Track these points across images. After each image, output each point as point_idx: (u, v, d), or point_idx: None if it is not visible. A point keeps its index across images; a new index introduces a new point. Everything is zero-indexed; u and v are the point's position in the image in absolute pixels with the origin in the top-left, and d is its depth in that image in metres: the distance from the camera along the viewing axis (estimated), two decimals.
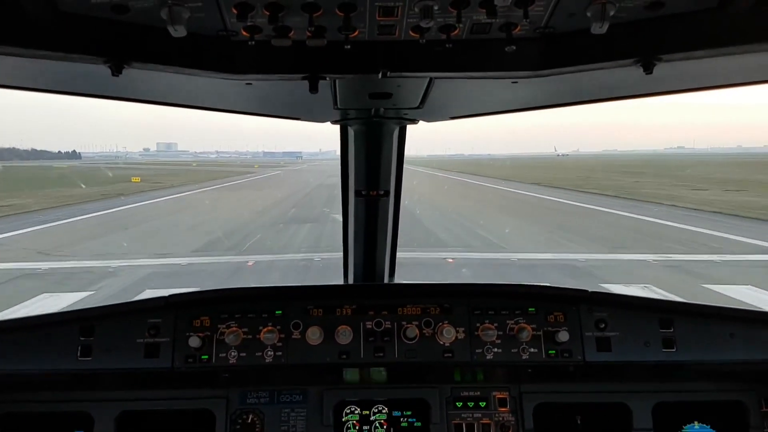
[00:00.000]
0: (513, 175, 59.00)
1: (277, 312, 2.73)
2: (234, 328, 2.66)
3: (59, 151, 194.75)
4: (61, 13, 1.29)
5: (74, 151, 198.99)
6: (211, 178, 54.43)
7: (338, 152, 2.99)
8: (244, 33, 1.34)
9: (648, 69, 1.46)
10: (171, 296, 2.72)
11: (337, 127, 2.74)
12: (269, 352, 2.65)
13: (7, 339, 2.62)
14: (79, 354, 2.61)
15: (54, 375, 2.65)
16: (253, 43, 1.35)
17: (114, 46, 1.38)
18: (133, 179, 43.24)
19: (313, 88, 1.57)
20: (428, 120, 2.66)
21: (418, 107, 2.21)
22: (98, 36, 1.36)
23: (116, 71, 1.41)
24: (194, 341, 2.58)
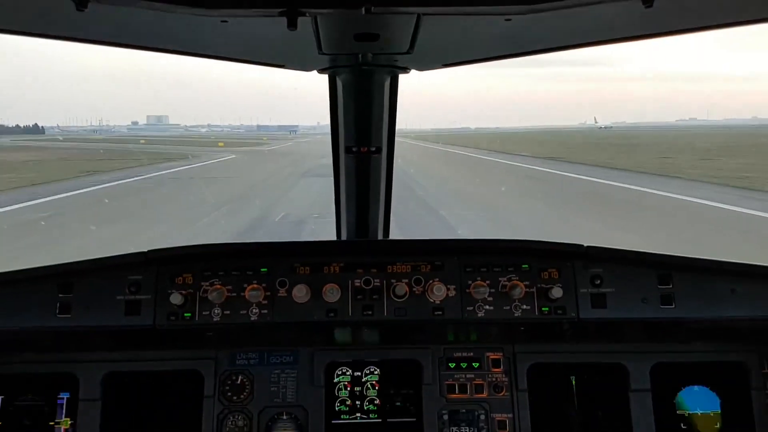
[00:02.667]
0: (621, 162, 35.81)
1: (262, 270, 2.66)
2: (218, 286, 2.61)
3: (17, 125, 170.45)
4: None
5: (35, 124, 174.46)
6: (84, 170, 30.62)
7: None
8: None
9: (648, 2, 1.35)
10: (151, 252, 2.66)
11: None
12: (254, 310, 2.61)
13: None
14: (57, 311, 2.56)
15: (33, 333, 2.59)
16: None
17: None
18: None
19: (292, 24, 1.45)
20: (420, 68, 2.48)
21: (407, 52, 2.07)
22: None
23: (81, 5, 1.29)
24: (176, 298, 2.54)
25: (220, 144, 77.13)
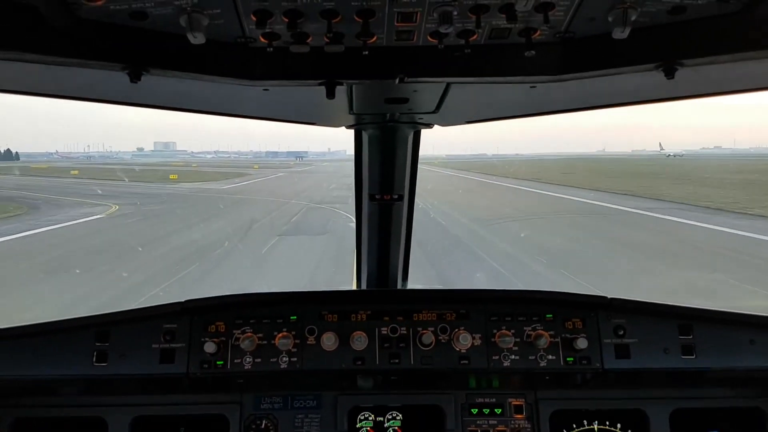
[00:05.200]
0: None
1: (291, 317, 2.67)
2: (249, 334, 2.62)
3: None
4: (80, 20, 1.27)
5: (8, 150, 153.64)
6: None
7: (348, 152, 3.19)
8: (263, 39, 1.33)
9: (669, 74, 1.41)
10: (187, 302, 2.68)
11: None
12: (284, 358, 2.61)
13: (22, 344, 2.58)
14: (94, 360, 2.57)
15: (69, 380, 2.63)
16: (272, 49, 1.32)
17: (132, 53, 1.36)
18: None
19: (330, 94, 1.53)
20: (443, 124, 2.56)
21: (433, 112, 2.14)
22: (117, 43, 1.34)
23: (135, 78, 1.39)
24: (210, 347, 2.55)
25: (172, 177, 53.56)
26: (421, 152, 2.78)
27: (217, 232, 20.37)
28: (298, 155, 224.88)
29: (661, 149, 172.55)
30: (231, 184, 50.32)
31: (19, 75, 1.54)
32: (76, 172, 66.72)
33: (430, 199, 32.14)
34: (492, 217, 25.15)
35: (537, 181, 50.56)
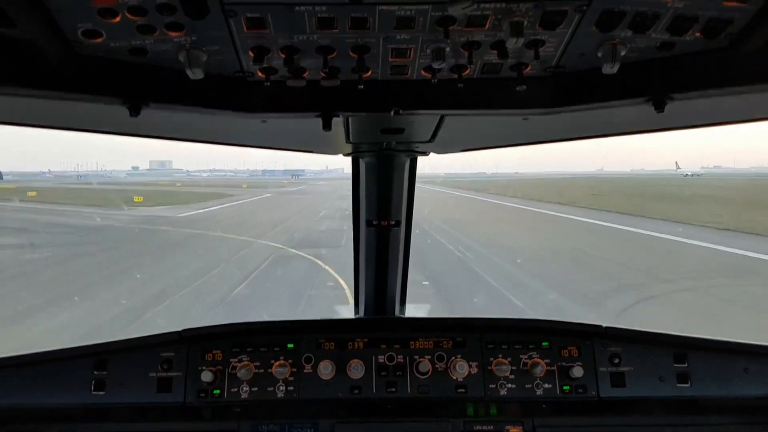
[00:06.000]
0: None
1: (288, 345, 2.70)
2: (246, 362, 2.65)
3: None
4: (80, 56, 1.28)
5: None
6: None
7: (346, 171, 3.88)
8: (260, 74, 1.37)
9: (659, 107, 1.44)
10: (184, 330, 2.69)
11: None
12: (281, 387, 2.65)
13: (20, 373, 2.60)
14: (92, 388, 2.60)
15: (66, 409, 2.62)
16: (269, 83, 1.37)
17: (132, 88, 1.39)
18: None
19: (326, 126, 1.56)
20: (439, 152, 2.58)
21: (429, 141, 2.17)
22: (116, 78, 1.36)
23: (134, 112, 1.41)
24: (206, 376, 2.58)
25: (136, 199, 46.95)
26: (421, 171, 2.79)
27: (53, 334, 10.95)
28: (295, 173, 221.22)
29: (678, 168, 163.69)
30: (199, 209, 41.40)
31: (17, 108, 1.54)
32: (33, 193, 58.26)
33: (464, 238, 22.53)
34: (598, 286, 14.84)
35: (573, 205, 41.58)
